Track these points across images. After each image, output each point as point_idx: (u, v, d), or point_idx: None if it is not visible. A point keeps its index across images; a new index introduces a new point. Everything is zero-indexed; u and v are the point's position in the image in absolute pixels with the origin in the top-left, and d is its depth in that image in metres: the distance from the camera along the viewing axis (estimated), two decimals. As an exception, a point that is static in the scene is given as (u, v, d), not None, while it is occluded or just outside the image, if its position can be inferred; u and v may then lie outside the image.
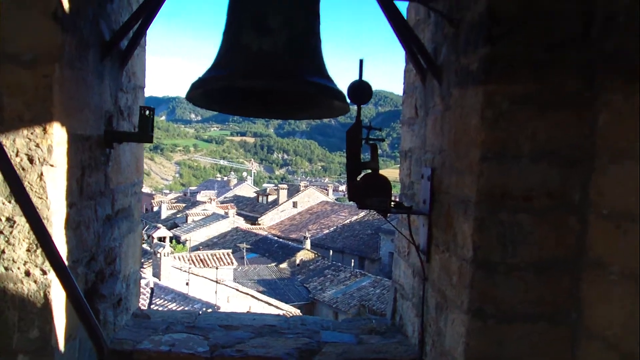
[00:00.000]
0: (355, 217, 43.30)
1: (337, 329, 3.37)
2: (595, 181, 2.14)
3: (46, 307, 2.18)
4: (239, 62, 2.52)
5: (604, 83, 2.11)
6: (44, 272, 2.16)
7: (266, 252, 37.91)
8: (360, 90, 2.68)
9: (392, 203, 2.75)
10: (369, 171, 2.72)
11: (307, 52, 2.58)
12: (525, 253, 2.20)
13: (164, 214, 52.74)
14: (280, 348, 2.91)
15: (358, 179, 2.71)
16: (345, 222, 44.02)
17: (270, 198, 55.88)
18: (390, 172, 3.99)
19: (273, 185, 76.20)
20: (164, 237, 37.49)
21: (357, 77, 2.69)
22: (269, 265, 34.20)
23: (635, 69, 1.95)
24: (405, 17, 3.39)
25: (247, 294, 24.74)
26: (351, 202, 2.79)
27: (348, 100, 2.66)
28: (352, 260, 36.38)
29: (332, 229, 43.88)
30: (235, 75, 2.52)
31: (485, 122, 2.17)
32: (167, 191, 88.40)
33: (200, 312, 3.56)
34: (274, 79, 2.45)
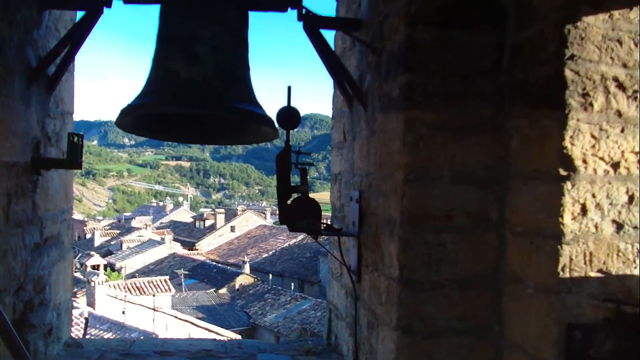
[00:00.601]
0: (293, 241, 43.22)
1: (274, 351, 3.40)
2: (510, 201, 2.28)
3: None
4: (168, 89, 2.56)
5: (514, 109, 2.27)
6: (-31, 304, 2.11)
7: (205, 278, 37.26)
8: (289, 116, 2.76)
9: (323, 225, 2.82)
10: (300, 194, 2.79)
11: (235, 79, 2.65)
12: (448, 270, 2.31)
13: (98, 241, 51.11)
14: (217, 372, 2.92)
15: (289, 202, 2.77)
16: (284, 245, 43.87)
17: (208, 223, 55.13)
18: (327, 194, 4.08)
19: (210, 209, 75.25)
20: (98, 265, 36.23)
21: (286, 103, 2.77)
22: (208, 291, 33.62)
23: (540, 96, 2.11)
24: (333, 45, 3.52)
25: (187, 320, 24.20)
26: (284, 225, 2.84)
27: (277, 126, 2.74)
28: (292, 284, 36.23)
29: (271, 252, 43.63)
30: (164, 101, 2.56)
31: (406, 146, 2.28)
32: (101, 217, 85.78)
33: (136, 339, 3.51)
34: (201, 105, 2.51)
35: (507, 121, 2.29)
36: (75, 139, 2.87)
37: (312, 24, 2.77)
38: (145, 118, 2.83)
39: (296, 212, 2.75)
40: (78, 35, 2.82)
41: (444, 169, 2.29)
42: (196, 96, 2.51)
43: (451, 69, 2.30)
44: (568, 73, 1.97)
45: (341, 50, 3.45)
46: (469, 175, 2.31)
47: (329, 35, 3.27)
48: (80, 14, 2.87)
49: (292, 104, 2.80)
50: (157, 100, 2.59)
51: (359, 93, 2.88)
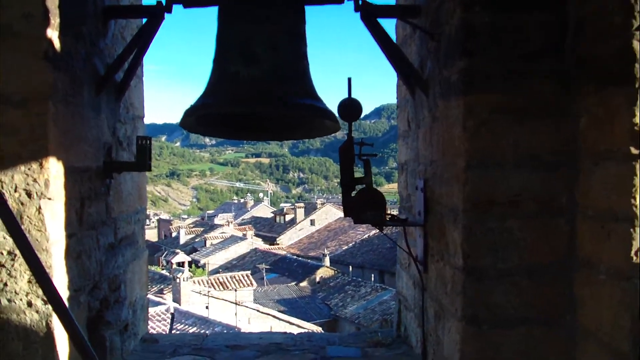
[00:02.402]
0: (373, 232, 43.03)
1: (344, 343, 3.41)
2: (580, 184, 2.18)
3: (48, 336, 2.25)
4: (227, 89, 2.61)
5: (580, 88, 2.16)
6: (45, 302, 2.23)
7: (286, 272, 37.81)
8: (350, 107, 2.75)
9: (388, 216, 2.80)
10: (363, 186, 2.77)
11: (294, 76, 2.67)
12: (515, 258, 2.24)
13: (183, 239, 52.91)
14: (287, 365, 2.96)
15: (353, 194, 2.77)
16: (364, 237, 43.80)
17: (288, 217, 55.86)
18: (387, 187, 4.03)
19: (290, 204, 76.21)
20: (183, 262, 37.60)
21: (348, 95, 2.76)
22: (289, 284, 34.11)
23: (607, 73, 1.99)
24: (395, 33, 3.47)
25: (268, 314, 24.65)
26: (348, 217, 2.84)
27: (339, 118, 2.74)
28: (373, 275, 36.14)
29: (350, 244, 43.70)
30: (225, 102, 2.62)
31: (467, 132, 2.23)
32: (185, 216, 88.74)
33: (209, 333, 3.61)
34: (260, 103, 2.54)
35: (573, 101, 2.19)
36: (144, 142, 2.97)
37: (370, 13, 2.75)
38: (208, 118, 2.90)
39: (361, 204, 2.74)
40: (142, 41, 2.92)
41: (507, 154, 2.22)
42: (255, 95, 2.55)
43: (511, 50, 2.22)
44: (637, 45, 1.85)
45: (402, 38, 3.40)
46: (534, 160, 2.23)
47: (389, 25, 3.23)
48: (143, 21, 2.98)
49: (357, 95, 2.79)
50: (218, 100, 2.65)
51: (421, 80, 2.83)
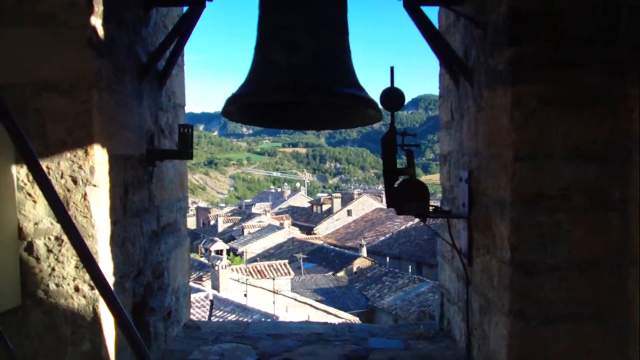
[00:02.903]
0: (410, 223, 42.81)
1: (386, 335, 3.37)
2: (634, 177, 2.09)
3: (95, 320, 2.29)
4: (270, 78, 2.59)
5: (633, 77, 2.06)
6: (92, 287, 2.26)
7: (323, 261, 37.92)
8: (393, 97, 2.70)
9: (431, 208, 2.75)
10: (406, 177, 2.73)
11: (336, 64, 2.63)
12: (565, 253, 2.17)
13: (221, 227, 53.55)
14: (328, 356, 2.94)
15: (395, 185, 2.72)
16: (401, 228, 43.59)
17: (325, 207, 55.95)
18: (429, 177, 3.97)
19: (327, 194, 76.31)
20: (221, 250, 38.07)
21: (391, 85, 2.71)
22: (326, 274, 34.20)
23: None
24: (437, 21, 3.40)
25: (305, 303, 24.78)
26: (391, 208, 2.80)
27: (381, 108, 2.69)
28: (410, 266, 35.98)
29: (388, 235, 43.55)
30: (266, 90, 2.60)
31: (515, 123, 2.16)
32: (223, 205, 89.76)
33: (250, 322, 3.63)
34: (301, 92, 2.51)
35: (626, 90, 2.09)
36: (186, 130, 2.98)
37: (413, 1, 2.69)
38: (249, 106, 2.89)
39: (403, 195, 2.70)
40: (184, 30, 2.92)
41: (556, 146, 2.15)
42: (296, 83, 2.53)
43: (561, 38, 2.14)
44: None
45: (445, 26, 3.32)
46: (585, 152, 2.15)
47: (432, 13, 3.16)
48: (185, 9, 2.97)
49: (396, 85, 2.74)
50: (259, 89, 2.63)
51: (465, 69, 2.76)
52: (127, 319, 1.62)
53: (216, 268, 26.07)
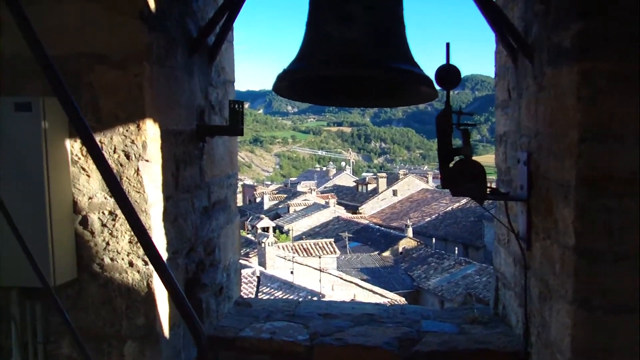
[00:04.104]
0: (457, 205, 42.37)
1: (438, 318, 3.30)
2: None
3: (150, 295, 2.29)
4: (322, 52, 2.51)
5: None
6: (146, 263, 2.27)
7: (368, 241, 37.95)
8: (448, 74, 2.59)
9: (488, 189, 2.64)
10: (462, 157, 2.63)
11: (391, 39, 2.53)
12: (635, 240, 2.03)
13: (267, 205, 54.10)
14: (380, 337, 2.89)
15: (451, 166, 2.63)
16: (447, 209, 43.18)
17: (370, 187, 55.85)
18: (491, 157, 3.84)
19: (372, 174, 76.06)
20: (268, 228, 38.45)
21: (444, 62, 2.60)
22: (372, 253, 34.22)
23: None
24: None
25: (351, 282, 24.89)
26: (446, 189, 2.71)
27: (436, 86, 2.59)
28: (456, 248, 35.66)
29: (433, 216, 43.21)
30: (319, 65, 2.52)
31: (582, 102, 2.02)
32: (269, 182, 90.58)
33: (300, 301, 3.60)
34: (355, 66, 2.43)
35: None
36: (236, 106, 2.94)
37: (472, -26, 2.57)
38: (301, 82, 2.82)
39: (459, 176, 2.60)
40: (234, 5, 2.87)
41: (627, 126, 1.99)
42: (350, 57, 2.44)
43: (632, 10, 1.98)
44: None
45: (503, 1, 3.17)
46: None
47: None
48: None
49: (451, 63, 2.63)
50: (311, 63, 2.55)
51: (525, 46, 2.62)
52: (181, 294, 1.60)
53: (263, 245, 26.40)
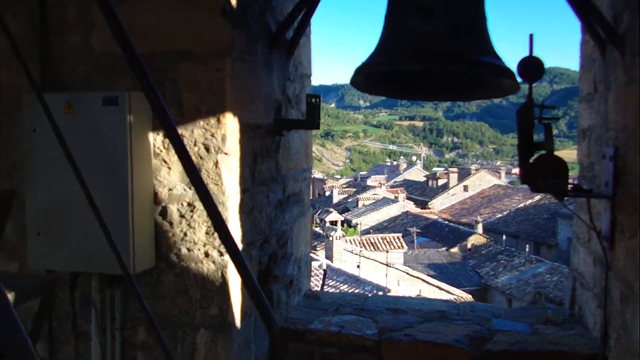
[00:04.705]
0: (530, 201, 41.14)
1: (510, 317, 3.22)
2: None
3: (224, 286, 2.35)
4: (401, 45, 2.48)
5: None
6: (221, 254, 2.32)
7: (436, 236, 37.44)
8: (531, 66, 2.51)
9: (570, 186, 2.55)
10: (544, 152, 2.55)
11: (472, 31, 2.47)
12: None
13: (336, 199, 54.25)
14: (450, 334, 2.85)
15: (531, 161, 2.55)
16: (519, 205, 42.00)
17: (440, 182, 55.02)
18: (568, 153, 3.70)
19: (443, 169, 74.92)
20: (336, 221, 38.59)
21: (526, 54, 2.52)
22: (440, 249, 33.75)
23: None
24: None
25: (417, 277, 24.66)
26: (524, 185, 2.64)
27: (518, 78, 2.52)
28: (527, 246, 34.65)
29: (505, 213, 42.12)
30: (398, 58, 2.49)
31: (679, 96, 1.92)
32: (338, 176, 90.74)
33: (369, 295, 3.61)
34: (438, 60, 2.39)
35: None
36: (313, 100, 2.96)
37: (559, -38, 2.47)
38: (379, 76, 2.81)
39: (540, 171, 2.52)
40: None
41: None
42: (430, 51, 2.40)
43: None
44: None
45: (590, -11, 3.04)
46: None
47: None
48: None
49: (533, 54, 2.55)
50: (390, 57, 2.53)
51: (614, 36, 2.50)
52: (256, 285, 1.63)
53: (330, 238, 26.51)
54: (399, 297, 3.60)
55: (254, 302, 1.63)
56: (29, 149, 2.37)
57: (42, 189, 2.34)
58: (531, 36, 2.59)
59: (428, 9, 2.42)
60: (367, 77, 2.73)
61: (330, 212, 41.85)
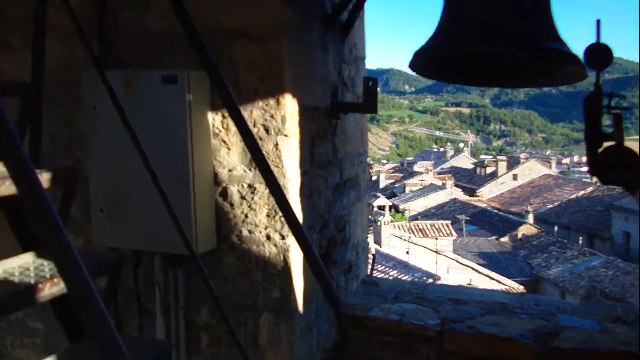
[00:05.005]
0: (582, 192, 40.05)
1: (576, 313, 3.08)
2: None
3: (285, 269, 2.31)
4: (462, 29, 2.37)
5: None
6: (283, 237, 2.28)
7: (485, 225, 36.81)
8: (599, 53, 2.37)
9: (644, 177, 2.40)
10: (613, 143, 2.41)
11: (535, 15, 2.34)
12: None
13: (382, 184, 53.92)
14: (514, 328, 2.74)
15: (599, 152, 2.42)
16: (571, 197, 40.89)
17: (488, 170, 54.03)
18: (630, 144, 3.51)
19: (491, 156, 73.68)
20: (384, 206, 38.35)
21: (593, 40, 2.38)
22: (489, 238, 33.19)
23: None
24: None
25: (467, 265, 24.31)
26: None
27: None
28: (580, 238, 33.74)
29: (556, 203, 41.07)
30: (458, 42, 2.39)
31: None
32: (385, 161, 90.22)
33: (427, 283, 3.52)
34: (502, 46, 2.27)
35: None
36: (370, 83, 2.89)
37: None
38: (437, 60, 2.70)
39: (610, 163, 2.39)
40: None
41: None
42: (494, 35, 2.29)
43: None
44: None
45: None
46: None
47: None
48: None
49: (601, 40, 2.40)
50: (450, 41, 2.42)
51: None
52: (322, 266, 1.59)
53: (379, 223, 26.37)
54: (460, 287, 3.51)
55: (321, 285, 1.58)
56: (90, 126, 2.37)
57: (104, 167, 2.36)
58: (598, 22, 2.44)
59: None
60: (426, 62, 2.63)
61: (378, 197, 41.60)
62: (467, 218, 36.07)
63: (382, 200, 40.59)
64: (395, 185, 52.30)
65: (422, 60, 2.59)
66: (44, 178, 1.79)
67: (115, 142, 2.23)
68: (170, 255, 2.37)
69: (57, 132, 2.58)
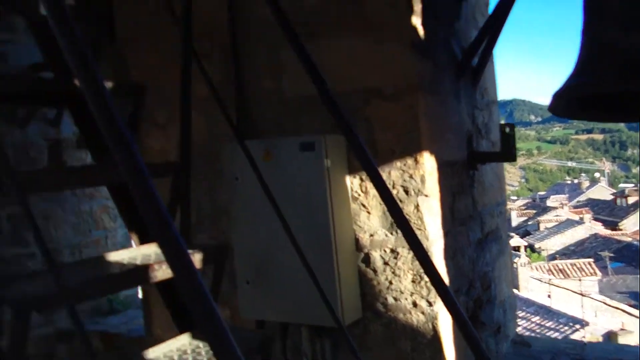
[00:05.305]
0: None
1: None
2: None
3: (435, 338, 2.19)
4: (605, 63, 2.18)
5: None
6: (430, 304, 2.17)
7: (632, 261, 33.83)
8: None
9: None
10: None
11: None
12: None
13: (514, 222, 51.54)
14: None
15: None
16: None
17: (630, 200, 50.07)
18: None
19: (632, 185, 68.37)
20: (518, 247, 36.53)
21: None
22: (638, 275, 30.41)
23: None
24: None
25: (617, 307, 22.34)
26: None
27: None
28: None
29: None
30: (604, 79, 2.20)
31: None
32: (515, 197, 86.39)
33: (585, 342, 3.21)
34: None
35: None
36: (507, 129, 2.76)
37: None
38: (581, 100, 2.51)
39: None
40: (497, 22, 2.69)
41: None
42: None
43: None
44: None
45: None
46: None
47: None
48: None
49: None
50: (594, 78, 2.24)
51: None
52: (475, 333, 1.47)
53: (515, 266, 25.07)
54: (621, 346, 3.17)
55: (473, 352, 1.47)
56: (232, 197, 2.42)
57: (248, 238, 2.37)
58: None
59: (635, 18, 2.12)
60: (568, 102, 2.46)
61: (512, 237, 39.76)
62: (611, 254, 33.37)
63: (516, 240, 38.69)
64: (529, 223, 49.78)
65: (564, 102, 2.42)
66: (197, 259, 1.83)
67: (258, 212, 2.26)
68: (317, 326, 2.33)
69: (202, 203, 2.66)
